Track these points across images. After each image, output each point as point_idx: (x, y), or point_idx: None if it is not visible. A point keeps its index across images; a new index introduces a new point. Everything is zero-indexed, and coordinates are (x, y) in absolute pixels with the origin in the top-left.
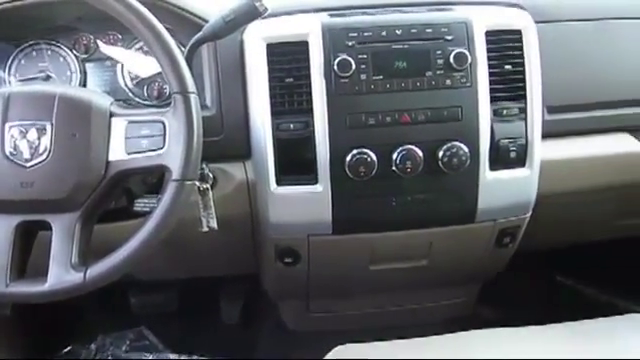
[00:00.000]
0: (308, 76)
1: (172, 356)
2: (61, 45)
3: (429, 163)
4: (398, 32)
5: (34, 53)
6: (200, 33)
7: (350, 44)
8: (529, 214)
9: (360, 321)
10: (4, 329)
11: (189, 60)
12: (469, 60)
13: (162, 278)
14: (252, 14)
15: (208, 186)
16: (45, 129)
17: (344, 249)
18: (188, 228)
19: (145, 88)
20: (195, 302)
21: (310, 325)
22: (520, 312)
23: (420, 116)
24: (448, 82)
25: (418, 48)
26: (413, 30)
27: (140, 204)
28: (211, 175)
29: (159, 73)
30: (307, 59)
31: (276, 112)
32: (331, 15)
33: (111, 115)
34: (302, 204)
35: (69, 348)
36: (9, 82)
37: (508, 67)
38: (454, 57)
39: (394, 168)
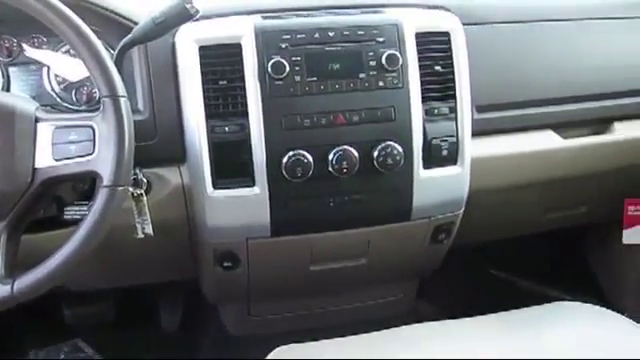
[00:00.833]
0: (242, 78)
1: None
2: None
3: (365, 163)
4: (331, 34)
5: None
6: (129, 35)
7: (284, 46)
8: (462, 210)
9: (302, 322)
10: None
11: (118, 63)
12: (400, 61)
13: (97, 287)
14: (183, 16)
15: (142, 191)
16: None
17: (283, 251)
18: (123, 235)
19: (74, 93)
20: (133, 310)
21: (252, 328)
22: (458, 306)
23: (355, 117)
24: (381, 83)
25: (351, 50)
26: (346, 32)
27: (70, 212)
28: (145, 180)
29: (89, 77)
30: (241, 61)
31: (211, 115)
32: (264, 17)
33: (37, 120)
34: (239, 207)
35: None
36: None
37: (438, 68)
38: (386, 58)
39: (330, 169)
